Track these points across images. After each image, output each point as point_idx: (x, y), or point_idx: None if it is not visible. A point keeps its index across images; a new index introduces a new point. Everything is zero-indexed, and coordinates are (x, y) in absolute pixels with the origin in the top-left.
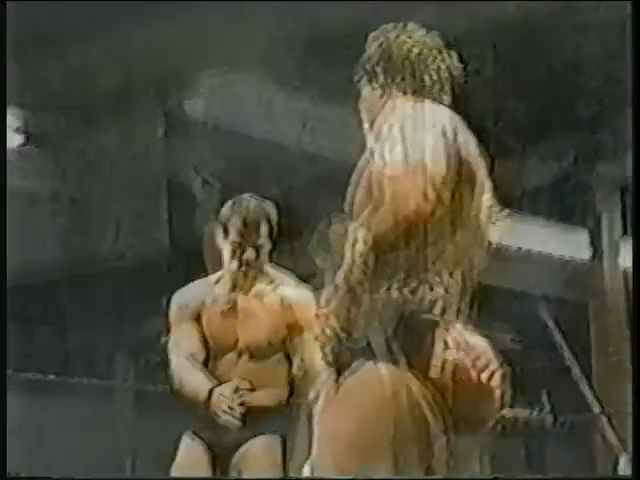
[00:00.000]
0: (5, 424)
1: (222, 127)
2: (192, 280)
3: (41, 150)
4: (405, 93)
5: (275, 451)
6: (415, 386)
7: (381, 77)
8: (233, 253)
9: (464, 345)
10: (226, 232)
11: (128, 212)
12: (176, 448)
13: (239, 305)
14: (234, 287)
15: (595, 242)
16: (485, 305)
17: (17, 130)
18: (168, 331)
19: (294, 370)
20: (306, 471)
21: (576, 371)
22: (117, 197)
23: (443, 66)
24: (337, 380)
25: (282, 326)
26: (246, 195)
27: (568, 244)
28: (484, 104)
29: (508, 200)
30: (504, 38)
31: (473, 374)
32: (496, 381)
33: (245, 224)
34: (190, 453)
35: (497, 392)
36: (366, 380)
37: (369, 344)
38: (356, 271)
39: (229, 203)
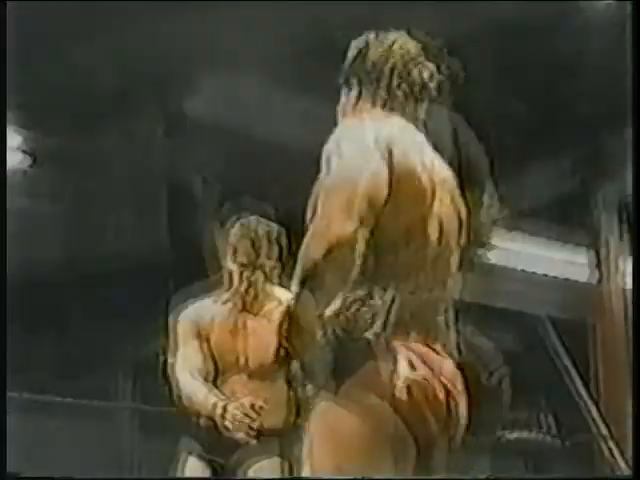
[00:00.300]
0: (5, 424)
1: (222, 127)
2: (192, 281)
3: (41, 150)
4: (383, 105)
5: (278, 474)
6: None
7: (357, 88)
8: (241, 275)
9: (430, 361)
10: (235, 253)
11: (128, 212)
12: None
13: (248, 326)
14: (243, 308)
15: (594, 246)
16: (485, 307)
17: (17, 130)
18: (175, 349)
19: (292, 371)
20: (306, 471)
21: (577, 383)
22: (117, 197)
23: (424, 76)
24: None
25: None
26: (253, 217)
27: (566, 250)
28: (484, 104)
29: (507, 200)
30: (504, 38)
31: (440, 395)
32: (460, 404)
33: (253, 247)
34: (194, 473)
35: (460, 411)
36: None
37: (369, 344)
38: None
39: (237, 224)
